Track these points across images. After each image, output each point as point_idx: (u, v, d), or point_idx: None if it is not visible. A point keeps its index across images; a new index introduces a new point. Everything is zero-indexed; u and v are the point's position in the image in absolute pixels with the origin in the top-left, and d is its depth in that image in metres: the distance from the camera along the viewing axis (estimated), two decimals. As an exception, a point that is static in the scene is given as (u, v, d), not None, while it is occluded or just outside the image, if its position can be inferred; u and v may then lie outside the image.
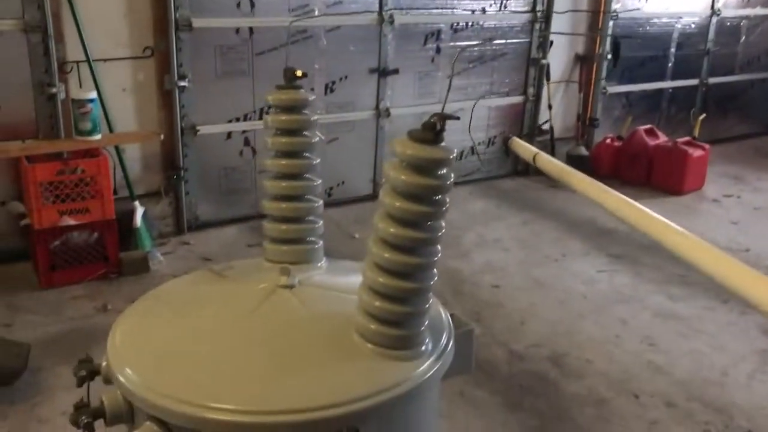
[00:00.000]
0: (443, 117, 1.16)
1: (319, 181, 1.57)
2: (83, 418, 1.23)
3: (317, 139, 1.56)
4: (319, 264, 1.58)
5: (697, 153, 6.05)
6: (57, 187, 3.99)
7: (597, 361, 3.59)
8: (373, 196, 5.85)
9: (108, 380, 1.31)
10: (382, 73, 5.52)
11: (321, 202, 1.57)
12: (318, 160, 1.57)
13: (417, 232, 1.19)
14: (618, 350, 3.70)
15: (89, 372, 1.36)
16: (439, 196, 1.19)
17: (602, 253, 4.99)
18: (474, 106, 5.14)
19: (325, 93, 5.31)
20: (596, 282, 4.53)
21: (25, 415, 3.02)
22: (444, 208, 1.19)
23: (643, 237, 5.16)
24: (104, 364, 1.34)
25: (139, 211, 4.51)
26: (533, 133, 6.44)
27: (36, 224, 4.00)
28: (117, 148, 4.46)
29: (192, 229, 5.08)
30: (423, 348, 1.28)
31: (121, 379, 1.20)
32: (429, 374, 1.24)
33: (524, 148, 5.84)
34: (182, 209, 4.99)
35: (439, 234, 1.21)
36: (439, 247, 1.24)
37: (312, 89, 5.17)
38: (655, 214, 4.57)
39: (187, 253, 4.74)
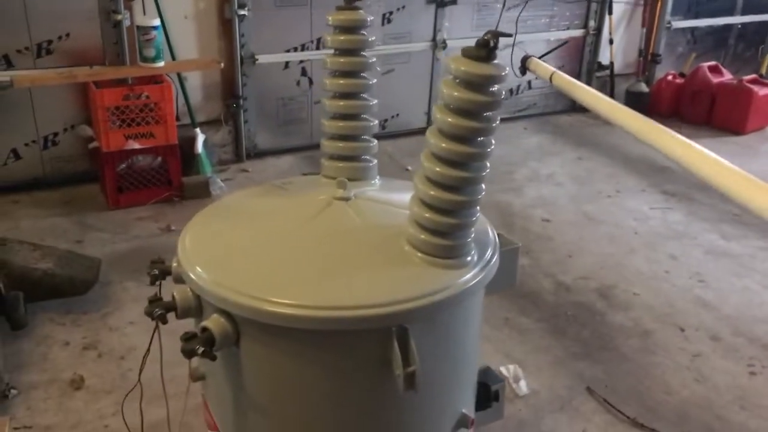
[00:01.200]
0: (496, 34, 1.20)
1: (375, 101, 1.63)
2: (157, 310, 1.36)
3: (374, 60, 1.61)
4: (373, 181, 1.66)
5: (763, 91, 5.86)
6: (123, 112, 4.15)
7: (644, 294, 3.63)
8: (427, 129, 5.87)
9: (178, 280, 1.43)
10: (440, 3, 5.46)
11: (376, 122, 1.64)
12: (374, 80, 1.62)
13: (467, 147, 1.25)
14: (666, 285, 3.73)
15: (161, 271, 1.48)
16: (490, 113, 1.24)
17: (656, 190, 4.95)
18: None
19: (382, 23, 5.30)
20: (649, 218, 4.52)
21: (97, 323, 3.25)
22: (494, 125, 1.24)
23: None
24: (174, 265, 1.46)
25: (200, 137, 4.66)
26: (592, 68, 6.32)
27: (104, 147, 4.18)
28: (179, 76, 4.58)
29: (250, 157, 5.22)
30: (469, 258, 1.35)
31: (192, 276, 1.31)
32: (473, 282, 1.32)
33: (542, 67, 5.67)
34: (241, 137, 5.12)
35: (489, 150, 1.26)
36: (488, 163, 1.30)
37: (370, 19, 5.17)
38: (676, 135, 4.26)
39: (245, 180, 4.89)
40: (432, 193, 1.28)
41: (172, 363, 1.59)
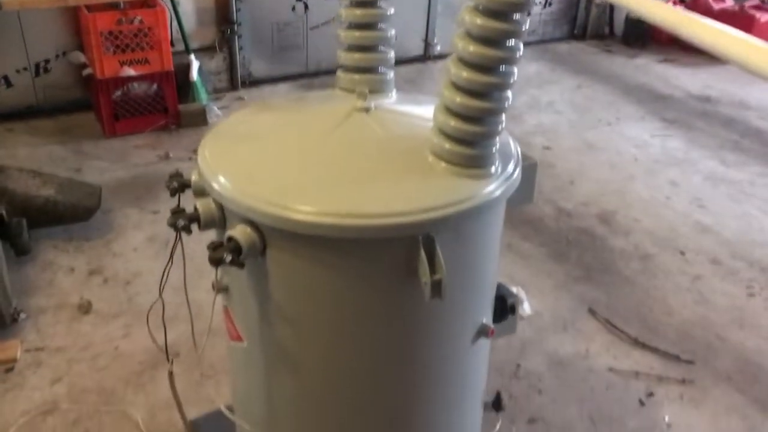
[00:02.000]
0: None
1: (392, 11, 1.59)
2: (180, 221, 1.35)
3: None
4: (390, 94, 1.64)
5: (765, 18, 5.78)
6: (117, 37, 4.05)
7: (645, 219, 3.66)
8: (424, 57, 5.79)
9: (198, 193, 1.41)
10: (439, -75, 5.31)
11: (393, 31, 1.60)
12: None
13: (497, 51, 1.22)
14: (667, 210, 3.75)
15: (180, 184, 1.46)
16: (518, 14, 1.21)
17: (656, 118, 4.94)
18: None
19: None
20: (649, 146, 4.52)
21: (100, 249, 3.25)
22: (523, 26, 1.21)
23: (698, 103, 5.08)
24: (194, 177, 1.44)
25: (195, 64, 4.57)
26: (592, -7, 6.21)
27: (98, 74, 4.10)
28: (172, 0, 4.45)
29: (245, 85, 5.14)
30: (493, 169, 1.34)
31: (215, 185, 1.29)
32: (498, 193, 1.31)
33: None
34: (236, 65, 5.03)
35: (518, 54, 1.24)
36: (515, 69, 1.27)
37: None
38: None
39: (241, 109, 4.82)
40: (458, 99, 1.26)
41: (184, 287, 1.60)
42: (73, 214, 3.23)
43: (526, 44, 1.27)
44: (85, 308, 2.85)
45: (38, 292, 2.94)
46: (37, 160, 3.95)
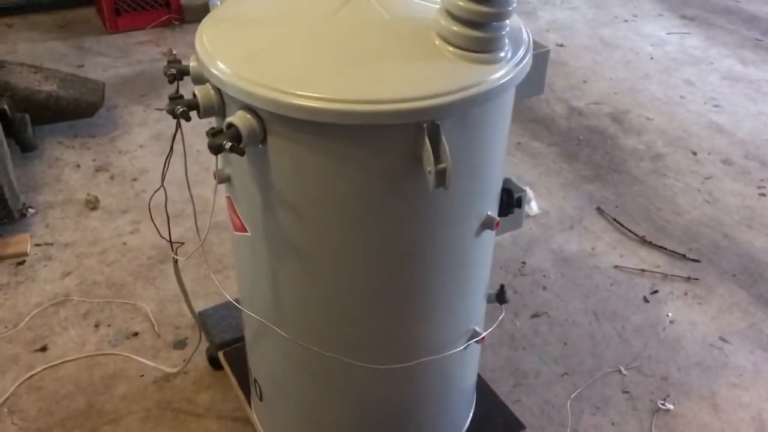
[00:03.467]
0: None
1: None
2: (178, 107, 1.31)
3: None
4: (396, -22, 1.56)
5: None
6: (114, -74, 3.89)
7: (658, 119, 3.59)
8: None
9: (197, 80, 1.37)
10: None
11: None
12: None
13: (507, -75, 1.15)
14: (681, 110, 3.67)
15: (178, 71, 1.42)
16: None
17: (675, 15, 4.77)
18: None
19: None
20: (666, 43, 4.38)
21: (106, 146, 3.23)
22: None
23: (722, -2, 4.87)
24: (192, 64, 1.39)
25: (197, -44, 4.40)
26: None
27: (97, -35, 3.96)
28: None
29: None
30: (502, 54, 1.29)
31: (214, 71, 1.25)
32: (507, 78, 1.26)
33: None
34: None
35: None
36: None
37: None
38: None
39: (246, 3, 4.68)
40: (467, -22, 1.19)
41: (185, 178, 1.58)
42: (76, 109, 3.19)
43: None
44: (93, 204, 2.86)
45: (45, 188, 2.94)
46: (37, 55, 3.88)
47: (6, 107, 2.88)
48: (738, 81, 3.96)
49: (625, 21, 4.66)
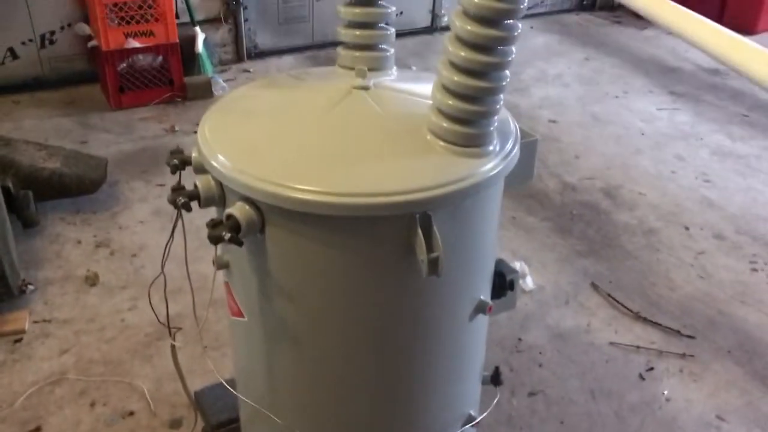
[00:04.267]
0: None
1: (392, -10, 1.58)
2: (180, 198, 1.36)
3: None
4: (390, 71, 1.63)
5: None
6: (121, 9, 4.04)
7: (650, 194, 3.65)
8: (432, 29, 5.75)
9: (199, 170, 1.42)
10: None
11: (393, 8, 1.59)
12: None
13: (493, 31, 1.22)
14: (672, 185, 3.74)
15: (181, 161, 1.47)
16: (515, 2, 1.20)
17: (664, 91, 4.90)
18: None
19: None
20: (656, 119, 4.50)
21: (107, 222, 3.27)
22: (522, 6, 1.21)
23: (707, 76, 5.04)
24: (194, 155, 1.45)
25: (201, 36, 4.56)
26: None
27: (103, 45, 4.10)
28: (177, -29, 4.42)
29: (251, 57, 5.13)
30: (491, 148, 1.34)
31: (214, 164, 1.30)
32: (496, 171, 1.31)
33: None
34: (241, 37, 5.02)
35: (515, 34, 1.23)
36: (514, 48, 1.27)
37: None
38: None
39: (247, 81, 4.82)
40: (456, 79, 1.26)
41: (190, 260, 1.62)
42: (79, 186, 3.25)
43: (534, 15, 1.27)
44: (92, 280, 2.89)
45: (46, 264, 2.97)
46: (43, 132, 3.97)
47: (10, 185, 2.94)
48: (727, 156, 4.05)
49: (616, 97, 4.79)
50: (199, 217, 1.52)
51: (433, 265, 1.25)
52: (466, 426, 1.60)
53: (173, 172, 1.47)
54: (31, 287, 2.81)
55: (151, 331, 2.62)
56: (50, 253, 3.04)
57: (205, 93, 4.39)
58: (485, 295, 1.54)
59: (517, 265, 3.03)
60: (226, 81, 4.67)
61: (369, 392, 1.46)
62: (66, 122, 4.14)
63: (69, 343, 2.57)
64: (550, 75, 5.10)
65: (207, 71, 4.57)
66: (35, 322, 2.66)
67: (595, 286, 2.96)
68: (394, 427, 1.51)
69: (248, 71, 4.98)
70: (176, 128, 4.07)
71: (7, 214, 2.80)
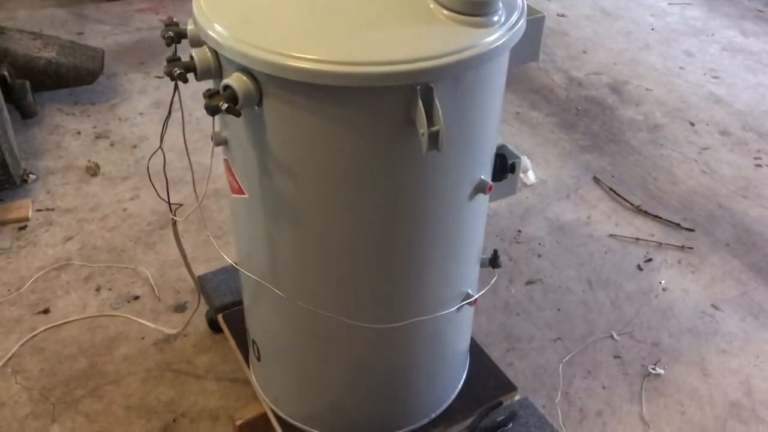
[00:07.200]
0: None
1: None
2: (176, 70, 1.33)
3: None
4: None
5: None
6: None
7: (657, 89, 3.59)
8: None
9: (194, 43, 1.39)
10: None
11: None
12: None
13: None
14: (680, 81, 3.68)
15: (176, 34, 1.43)
16: None
17: (678, -15, 4.74)
18: None
19: None
20: (667, 14, 4.37)
21: (105, 113, 3.24)
22: None
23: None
24: (190, 26, 1.41)
25: None
26: None
27: (95, -69, 3.94)
28: None
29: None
30: (496, 18, 1.30)
31: (211, 33, 1.26)
32: (500, 42, 1.27)
33: None
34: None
35: None
36: None
37: None
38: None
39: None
40: (461, -59, 1.21)
41: (183, 140, 1.60)
42: (76, 76, 3.20)
43: None
44: (93, 170, 2.88)
45: (46, 154, 2.96)
46: (37, 22, 3.87)
47: (6, 74, 2.89)
48: (738, 52, 3.96)
49: (627, -9, 4.64)
50: (199, 107, 1.50)
51: (434, 139, 1.23)
52: (464, 303, 1.63)
53: (168, 44, 1.43)
54: (32, 176, 2.81)
55: (154, 220, 2.64)
56: (50, 144, 3.02)
57: (203, -17, 4.24)
58: (486, 175, 1.52)
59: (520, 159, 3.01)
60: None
61: (368, 266, 1.47)
62: (61, 13, 4.04)
63: (72, 230, 2.60)
64: (559, -33, 4.92)
65: (204, -39, 4.40)
66: (38, 210, 2.68)
67: (597, 180, 2.96)
68: (394, 301, 1.54)
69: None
70: (174, 19, 3.95)
71: (5, 104, 2.77)
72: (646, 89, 3.59)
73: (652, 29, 4.18)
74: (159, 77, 3.47)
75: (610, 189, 2.90)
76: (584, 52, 3.91)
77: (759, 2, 4.52)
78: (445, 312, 1.60)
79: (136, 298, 2.34)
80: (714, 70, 3.77)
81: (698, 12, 4.40)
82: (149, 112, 3.25)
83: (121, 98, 3.35)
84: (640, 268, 2.54)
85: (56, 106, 3.25)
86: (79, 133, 3.10)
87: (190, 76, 1.36)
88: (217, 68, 1.34)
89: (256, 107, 1.29)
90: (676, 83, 3.65)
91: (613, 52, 3.91)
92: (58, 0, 4.15)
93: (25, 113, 3.01)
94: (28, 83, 3.00)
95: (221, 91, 1.25)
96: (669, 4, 4.48)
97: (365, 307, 1.53)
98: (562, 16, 4.28)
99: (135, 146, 3.04)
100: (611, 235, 2.68)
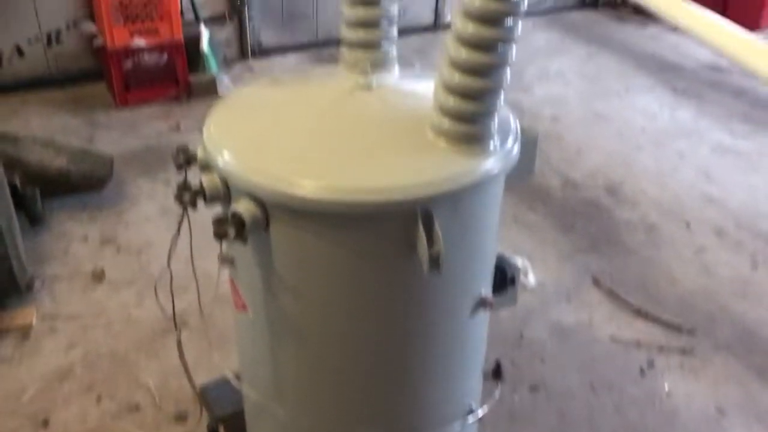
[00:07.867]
0: None
1: (396, -11, 1.60)
2: (186, 196, 1.39)
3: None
4: (392, 70, 1.66)
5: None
6: (126, 7, 4.07)
7: (651, 190, 3.67)
8: (435, 27, 5.76)
9: (204, 167, 1.45)
10: None
11: (397, 7, 1.62)
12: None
13: (494, 30, 1.24)
14: (673, 181, 3.77)
15: (186, 158, 1.50)
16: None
17: (666, 88, 4.92)
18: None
19: None
20: (657, 116, 4.51)
21: (113, 219, 3.31)
22: (522, 6, 1.23)
23: (709, 73, 5.04)
24: (200, 153, 1.48)
25: (205, 34, 4.58)
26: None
27: (109, 44, 4.13)
28: (181, -31, 4.45)
29: (255, 55, 5.15)
30: (491, 146, 1.37)
31: (220, 161, 1.33)
32: (496, 169, 1.34)
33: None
34: (246, 34, 5.04)
35: (516, 33, 1.26)
36: (514, 47, 1.29)
37: None
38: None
39: (251, 79, 4.85)
40: (457, 78, 1.29)
41: (195, 257, 1.65)
42: (86, 183, 3.29)
43: (536, 14, 1.28)
44: (99, 276, 2.92)
45: (53, 260, 3.01)
46: (50, 130, 4.00)
47: (17, 182, 2.98)
48: (728, 153, 4.07)
49: (618, 94, 4.81)
50: (205, 213, 1.56)
51: (435, 260, 1.28)
52: (467, 418, 1.63)
53: (179, 169, 1.49)
54: (38, 283, 2.84)
55: (157, 327, 2.65)
56: (57, 250, 3.08)
57: (210, 91, 4.41)
58: (486, 291, 1.56)
59: (519, 261, 3.05)
60: (230, 79, 4.69)
61: (371, 385, 1.49)
62: (72, 120, 4.18)
63: (76, 337, 2.61)
64: (552, 72, 5.11)
65: (212, 69, 4.59)
66: (42, 317, 2.70)
67: (596, 282, 2.99)
68: (397, 419, 1.54)
69: (252, 69, 5.01)
70: (181, 126, 4.10)
71: (15, 211, 2.83)
72: (641, 190, 3.67)
73: (644, 131, 4.31)
74: (166, 183, 3.56)
75: (610, 291, 2.93)
76: (578, 154, 4.02)
77: (745, 103, 4.67)
78: (449, 427, 1.60)
79: (137, 407, 2.33)
80: (706, 170, 3.87)
81: (688, 113, 4.55)
82: (155, 218, 3.31)
83: (129, 204, 3.42)
84: (642, 371, 2.54)
85: (65, 212, 3.32)
86: (86, 238, 3.16)
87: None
88: (225, 194, 1.39)
89: (263, 231, 1.34)
90: (669, 184, 3.74)
91: (607, 154, 4.02)
92: (71, 108, 4.30)
93: (33, 220, 3.08)
94: (38, 191, 3.08)
95: (229, 218, 1.31)
96: (660, 106, 4.64)
97: (368, 425, 1.54)
98: (556, 119, 4.42)
99: (140, 252, 3.08)
100: (613, 338, 2.69)
